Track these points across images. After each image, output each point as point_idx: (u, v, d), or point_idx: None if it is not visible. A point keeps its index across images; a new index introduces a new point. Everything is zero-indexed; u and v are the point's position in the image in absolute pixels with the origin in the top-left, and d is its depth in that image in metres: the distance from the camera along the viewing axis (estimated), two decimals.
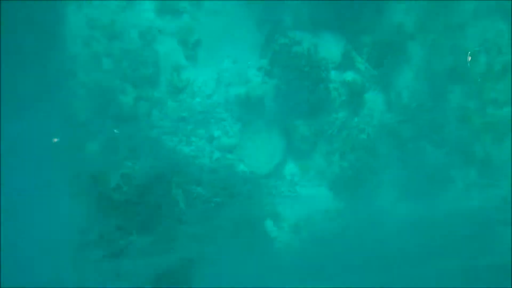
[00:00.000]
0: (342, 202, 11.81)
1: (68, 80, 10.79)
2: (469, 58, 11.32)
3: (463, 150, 11.48)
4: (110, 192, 10.48)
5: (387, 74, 11.43)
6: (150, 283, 10.47)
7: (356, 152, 11.36)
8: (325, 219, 11.74)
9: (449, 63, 11.42)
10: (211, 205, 10.80)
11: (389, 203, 11.80)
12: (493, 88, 11.50)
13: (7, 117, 10.50)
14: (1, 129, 10.44)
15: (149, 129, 11.34)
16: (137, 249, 10.36)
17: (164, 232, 10.79)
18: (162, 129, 11.47)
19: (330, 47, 11.39)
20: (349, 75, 11.42)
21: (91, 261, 10.26)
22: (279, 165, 11.68)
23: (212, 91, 11.75)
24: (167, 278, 10.56)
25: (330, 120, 11.47)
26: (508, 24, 11.33)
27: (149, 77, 11.36)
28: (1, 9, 9.89)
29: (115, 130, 10.32)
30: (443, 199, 11.75)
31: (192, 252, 10.86)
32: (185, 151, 11.53)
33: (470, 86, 11.56)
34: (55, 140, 10.28)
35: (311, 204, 11.80)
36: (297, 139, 11.44)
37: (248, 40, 11.62)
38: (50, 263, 10.11)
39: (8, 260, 10.09)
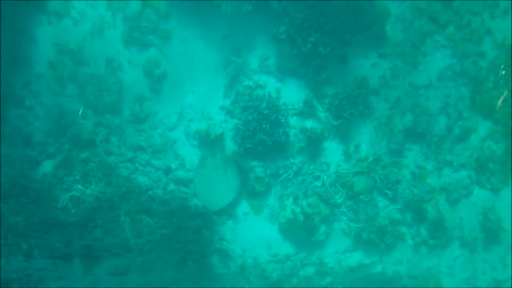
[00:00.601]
0: (291, 248, 11.81)
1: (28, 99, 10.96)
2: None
3: (415, 208, 11.49)
4: (58, 212, 10.52)
5: (347, 125, 11.51)
6: None
7: (309, 199, 11.37)
8: (273, 262, 11.73)
9: (409, 122, 11.52)
10: (157, 236, 10.79)
11: (337, 254, 11.79)
12: (450, 151, 11.62)
13: None
14: None
15: (106, 155, 11.44)
16: None
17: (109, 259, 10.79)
18: (119, 156, 11.57)
19: (293, 93, 11.60)
20: (309, 123, 11.57)
21: None
22: (232, 203, 11.71)
23: (173, 124, 11.91)
24: None
25: (286, 164, 11.57)
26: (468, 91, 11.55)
27: (111, 104, 11.51)
28: None
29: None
30: (391, 255, 11.76)
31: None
32: (140, 180, 11.61)
33: (429, 146, 11.67)
34: None
35: (260, 245, 11.81)
36: (252, 179, 11.51)
37: (214, 78, 11.81)
38: None
39: None
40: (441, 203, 11.63)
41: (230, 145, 11.64)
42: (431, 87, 11.73)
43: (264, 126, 10.88)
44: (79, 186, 10.84)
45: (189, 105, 11.84)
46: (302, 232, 11.48)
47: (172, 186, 11.86)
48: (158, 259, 10.70)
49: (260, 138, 10.97)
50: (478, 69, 11.54)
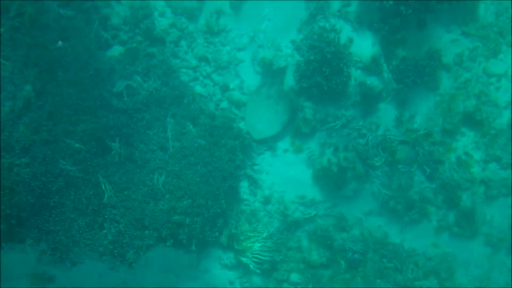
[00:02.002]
0: (319, 195, 12.00)
1: None
2: None
3: (450, 192, 11.36)
4: (111, 96, 11.05)
5: (407, 92, 11.35)
6: None
7: (347, 153, 11.43)
8: (297, 203, 11.98)
9: (471, 107, 11.24)
10: (194, 145, 11.20)
11: (361, 214, 11.91)
12: (503, 148, 11.31)
13: None
14: None
15: (172, 56, 11.80)
16: None
17: None
18: (183, 62, 11.93)
19: (364, 47, 11.45)
20: (371, 80, 11.46)
21: None
22: (275, 136, 11.93)
23: (243, 45, 12.10)
24: None
25: (337, 114, 11.59)
26: None
27: (190, 9, 11.78)
28: None
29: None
30: (412, 231, 11.77)
31: None
32: (196, 89, 11.97)
33: (483, 136, 11.39)
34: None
35: (291, 184, 12.05)
36: (299, 118, 11.64)
37: (293, 11, 11.82)
38: None
39: None
40: (477, 195, 11.42)
41: (289, 81, 11.71)
42: (504, 79, 11.32)
43: (324, 69, 10.90)
44: (138, 78, 11.30)
45: (263, 31, 11.96)
46: (332, 183, 11.63)
47: (224, 104, 12.17)
48: (188, 166, 11.10)
49: (317, 80, 11.02)
50: None
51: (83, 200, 10.83)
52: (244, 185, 12.03)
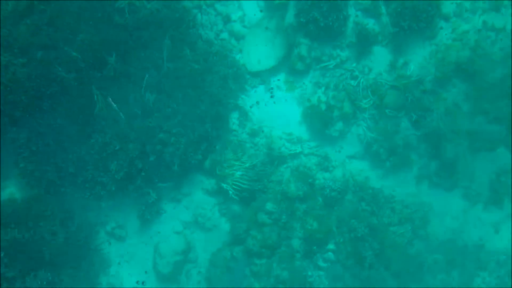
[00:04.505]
0: (306, 134, 12.18)
1: None
2: None
3: (434, 141, 11.45)
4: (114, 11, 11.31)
5: (403, 37, 11.39)
6: None
7: (336, 92, 11.57)
8: (284, 139, 12.17)
9: (464, 58, 11.24)
10: (187, 68, 11.44)
11: (344, 156, 12.07)
12: (492, 102, 11.32)
13: None
14: None
15: None
16: None
17: None
18: None
19: None
20: (369, 21, 11.52)
21: None
22: (270, 70, 12.11)
23: None
24: None
25: (332, 53, 11.71)
26: None
27: None
28: None
29: None
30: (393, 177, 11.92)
31: None
32: (197, 17, 12.16)
33: (475, 90, 11.41)
34: None
35: (280, 120, 12.24)
36: (295, 55, 11.78)
37: None
38: None
39: None
40: (462, 147, 11.47)
41: (289, 17, 11.82)
42: (504, 34, 11.26)
43: (322, 5, 11.00)
44: None
45: None
46: (319, 121, 11.78)
47: (224, 35, 12.35)
48: (179, 88, 11.39)
49: (315, 15, 11.12)
50: None
51: (75, 108, 11.20)
52: (234, 116, 12.26)
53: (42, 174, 11.34)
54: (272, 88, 12.27)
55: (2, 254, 10.78)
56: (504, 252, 11.48)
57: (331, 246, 11.74)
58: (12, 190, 11.62)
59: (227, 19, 12.30)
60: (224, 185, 11.81)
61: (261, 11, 12.17)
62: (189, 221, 12.38)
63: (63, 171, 11.53)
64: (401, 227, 11.64)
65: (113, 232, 12.43)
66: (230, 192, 11.72)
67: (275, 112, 12.26)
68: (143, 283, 12.33)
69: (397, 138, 11.55)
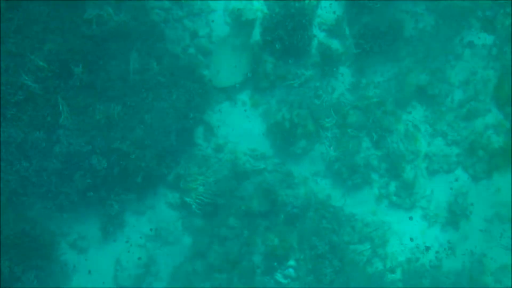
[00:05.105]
0: (271, 150, 12.33)
1: None
2: None
3: (394, 162, 11.68)
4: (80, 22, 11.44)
5: (365, 59, 11.68)
6: None
7: (301, 110, 11.78)
8: (248, 156, 12.31)
9: (424, 81, 11.55)
10: (154, 81, 11.57)
11: (307, 173, 12.24)
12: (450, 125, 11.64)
13: None
14: None
15: None
16: None
17: None
18: (156, 2, 12.27)
19: (331, 9, 11.79)
20: (333, 43, 11.81)
21: None
22: (235, 87, 12.28)
23: None
24: None
25: (297, 72, 11.94)
26: None
27: None
28: None
29: None
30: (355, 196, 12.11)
31: None
32: (165, 31, 12.32)
33: (433, 112, 11.72)
34: None
35: (245, 136, 12.38)
36: (260, 72, 11.98)
37: None
38: None
39: None
40: (420, 168, 11.73)
41: (255, 35, 12.07)
42: (461, 59, 11.65)
43: (287, 23, 11.26)
44: (110, 9, 11.67)
45: None
46: (284, 139, 11.96)
47: (192, 50, 12.51)
48: (145, 100, 11.50)
49: (280, 34, 11.38)
50: None
51: (40, 117, 11.24)
52: (199, 131, 12.36)
53: (4, 183, 11.29)
54: (237, 104, 12.41)
55: None
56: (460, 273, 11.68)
57: (291, 262, 11.81)
58: None
59: (194, 35, 12.47)
60: (188, 199, 11.87)
61: (225, 31, 12.36)
62: (151, 234, 12.35)
63: (26, 181, 11.49)
64: (361, 245, 11.79)
65: (75, 244, 12.34)
66: (193, 206, 11.79)
67: (240, 128, 12.39)
68: None
69: (358, 157, 11.76)
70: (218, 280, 11.80)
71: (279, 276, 11.85)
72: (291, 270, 11.82)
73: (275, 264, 11.80)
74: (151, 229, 12.29)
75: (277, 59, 11.87)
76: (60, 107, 11.25)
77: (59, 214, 11.97)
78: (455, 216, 11.63)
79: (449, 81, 11.62)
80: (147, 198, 12.26)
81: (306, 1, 11.46)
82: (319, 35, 11.85)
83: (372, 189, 11.99)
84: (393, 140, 11.65)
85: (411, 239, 11.82)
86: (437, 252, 11.74)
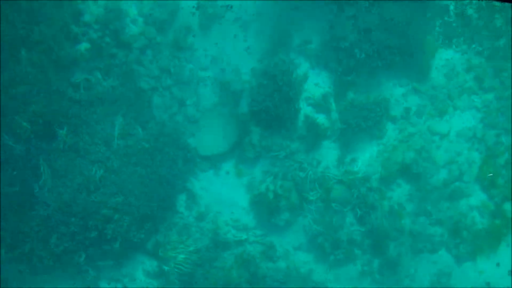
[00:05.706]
0: (253, 221, 12.15)
1: None
2: None
3: (378, 239, 11.55)
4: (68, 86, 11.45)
5: (351, 135, 11.74)
6: None
7: (285, 182, 11.69)
8: (231, 226, 12.11)
9: (409, 159, 11.58)
10: (138, 146, 11.49)
11: (289, 246, 12.03)
12: (434, 204, 11.59)
13: None
14: None
15: (135, 62, 12.22)
16: None
17: None
18: (147, 70, 12.33)
19: (317, 84, 11.94)
20: (319, 117, 11.87)
21: None
22: (220, 156, 12.21)
23: (206, 66, 12.54)
24: None
25: (282, 144, 11.91)
26: None
27: (160, 22, 12.27)
28: None
29: None
30: (337, 271, 11.86)
31: None
32: (153, 99, 12.34)
33: (418, 190, 11.69)
34: None
35: (228, 206, 12.22)
36: (246, 143, 11.95)
37: (255, 42, 12.33)
38: None
39: None
40: (404, 247, 11.58)
41: (243, 105, 12.11)
42: (446, 139, 11.75)
43: (274, 95, 11.33)
44: (98, 74, 11.72)
45: (227, 54, 12.40)
46: (267, 210, 11.80)
47: (179, 118, 12.49)
48: (128, 165, 11.36)
49: (267, 105, 11.42)
50: (497, 143, 11.49)
51: (19, 178, 11.03)
52: (182, 198, 12.20)
53: None
54: (221, 173, 12.32)
55: None
56: None
57: None
58: None
59: (182, 103, 12.48)
60: (166, 268, 11.58)
61: (212, 100, 12.41)
62: None
63: (1, 242, 11.17)
64: None
65: None
66: (172, 276, 11.48)
67: (223, 197, 12.25)
68: None
69: (342, 232, 11.60)
70: None
71: None
72: None
73: None
74: None
75: (263, 130, 11.86)
76: (41, 169, 11.09)
77: (33, 277, 11.59)
78: None
79: (434, 160, 11.64)
80: (124, 265, 11.94)
81: (294, 75, 11.54)
82: (306, 109, 11.91)
83: (355, 265, 11.78)
84: (377, 217, 11.52)
85: None
86: None
